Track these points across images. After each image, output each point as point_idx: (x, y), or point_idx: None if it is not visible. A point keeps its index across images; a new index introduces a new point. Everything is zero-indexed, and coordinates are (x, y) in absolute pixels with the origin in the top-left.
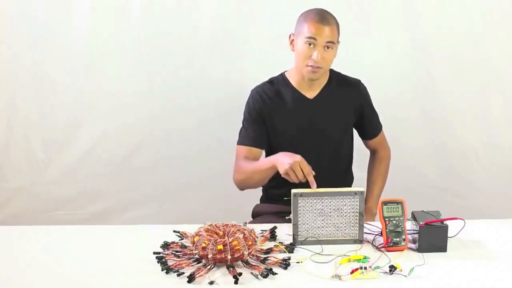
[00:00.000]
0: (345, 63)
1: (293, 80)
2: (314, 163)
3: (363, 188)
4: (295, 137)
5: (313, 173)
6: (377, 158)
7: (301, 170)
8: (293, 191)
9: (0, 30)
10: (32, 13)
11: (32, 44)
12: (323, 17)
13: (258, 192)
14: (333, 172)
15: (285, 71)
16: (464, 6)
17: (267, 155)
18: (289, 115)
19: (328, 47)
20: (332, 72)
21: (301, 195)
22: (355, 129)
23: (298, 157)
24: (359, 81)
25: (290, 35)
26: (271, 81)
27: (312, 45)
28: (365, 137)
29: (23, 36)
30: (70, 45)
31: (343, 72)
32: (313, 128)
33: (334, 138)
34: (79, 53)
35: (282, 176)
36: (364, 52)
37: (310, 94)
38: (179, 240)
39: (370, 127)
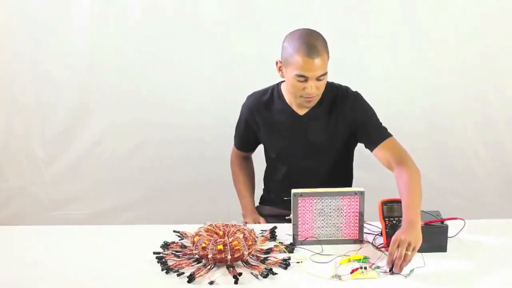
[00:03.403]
0: (345, 65)
1: (286, 96)
2: (308, 173)
3: (362, 188)
4: (286, 150)
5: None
6: (397, 173)
7: None
8: (293, 191)
9: (0, 30)
10: (32, 13)
11: (32, 44)
12: (311, 47)
13: (258, 192)
14: (330, 181)
15: (282, 82)
16: (464, 7)
17: (267, 160)
18: (279, 130)
19: (320, 79)
20: (326, 85)
21: (301, 195)
22: (359, 141)
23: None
24: (356, 94)
25: (277, 62)
26: (265, 91)
27: (304, 80)
28: (368, 145)
29: (23, 36)
30: (71, 45)
31: (343, 75)
32: (304, 143)
33: (327, 153)
34: (79, 53)
35: None
36: (364, 53)
37: (301, 110)
38: (179, 240)
39: (368, 136)
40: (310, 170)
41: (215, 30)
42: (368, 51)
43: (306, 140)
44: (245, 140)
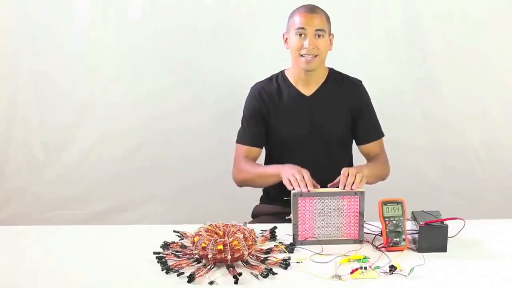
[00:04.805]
0: (345, 63)
1: (291, 77)
2: (312, 160)
3: (363, 188)
4: (293, 134)
5: (317, 185)
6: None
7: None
8: (293, 191)
9: (0, 30)
10: (32, 13)
11: (32, 45)
12: (310, 8)
13: (258, 192)
14: (333, 170)
15: (285, 69)
16: (464, 6)
17: (267, 153)
18: (287, 112)
19: (318, 35)
20: (331, 70)
21: (301, 195)
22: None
23: (303, 170)
24: (360, 82)
25: (283, 34)
26: (270, 78)
27: (302, 35)
28: (357, 141)
29: (23, 37)
30: (70, 46)
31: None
32: (310, 125)
33: (332, 136)
34: (79, 54)
35: (283, 182)
36: (364, 52)
37: (307, 91)
38: (179, 240)
39: (364, 130)
40: (312, 161)
41: (215, 30)
42: (368, 51)
43: (312, 122)
44: (257, 131)
